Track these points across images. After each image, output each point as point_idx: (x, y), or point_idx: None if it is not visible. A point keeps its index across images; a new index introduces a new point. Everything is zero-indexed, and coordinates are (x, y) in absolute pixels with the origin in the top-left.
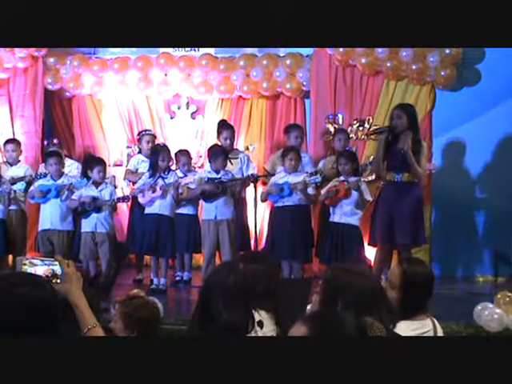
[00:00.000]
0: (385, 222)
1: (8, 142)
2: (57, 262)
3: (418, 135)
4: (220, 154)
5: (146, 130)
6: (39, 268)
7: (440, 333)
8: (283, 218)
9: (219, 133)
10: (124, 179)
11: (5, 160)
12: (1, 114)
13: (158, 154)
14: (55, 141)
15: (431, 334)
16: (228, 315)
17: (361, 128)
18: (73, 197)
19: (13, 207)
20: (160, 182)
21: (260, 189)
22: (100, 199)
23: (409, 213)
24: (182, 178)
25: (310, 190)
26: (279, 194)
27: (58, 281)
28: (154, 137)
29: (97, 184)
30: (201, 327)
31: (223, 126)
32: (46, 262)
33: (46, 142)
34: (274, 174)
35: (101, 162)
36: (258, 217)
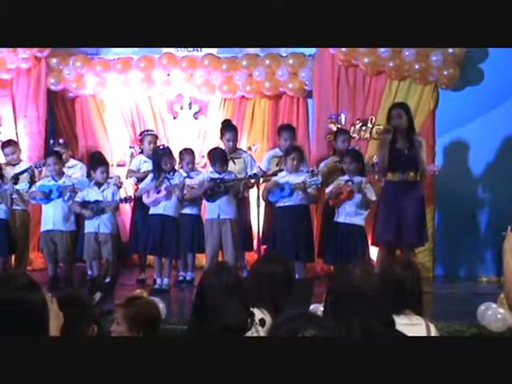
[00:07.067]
0: (389, 221)
1: (5, 145)
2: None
3: (415, 133)
4: (219, 157)
5: (147, 131)
6: None
7: (433, 330)
8: (285, 218)
9: (222, 134)
10: (126, 178)
11: (7, 162)
12: (4, 114)
13: (160, 157)
14: (61, 140)
15: (423, 328)
16: (223, 314)
17: (363, 128)
18: (76, 199)
19: (16, 207)
20: (165, 182)
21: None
22: (102, 202)
23: (414, 212)
24: (185, 177)
25: (311, 190)
26: (280, 193)
27: None
28: (156, 137)
29: (99, 184)
30: (198, 327)
31: (226, 127)
32: None
33: (51, 141)
34: (276, 174)
35: (104, 162)
36: (261, 216)
